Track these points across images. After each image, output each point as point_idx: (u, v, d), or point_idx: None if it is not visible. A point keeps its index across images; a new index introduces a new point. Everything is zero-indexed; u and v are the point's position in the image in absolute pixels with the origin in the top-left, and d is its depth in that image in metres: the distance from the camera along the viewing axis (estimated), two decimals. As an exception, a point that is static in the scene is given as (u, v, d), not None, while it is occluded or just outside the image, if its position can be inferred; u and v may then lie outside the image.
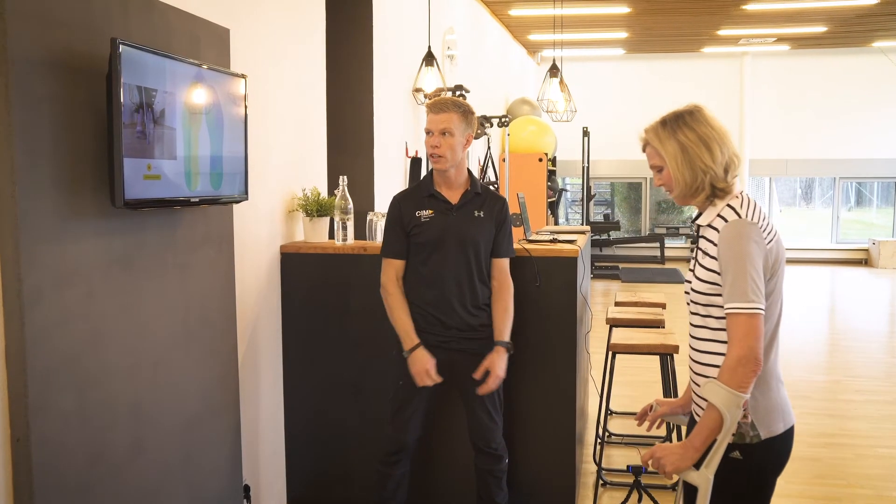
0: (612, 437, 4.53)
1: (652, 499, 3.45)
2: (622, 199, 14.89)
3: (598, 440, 4.12)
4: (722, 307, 1.96)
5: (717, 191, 2.00)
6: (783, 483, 3.91)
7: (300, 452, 3.53)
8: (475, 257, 2.95)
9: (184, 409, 2.57)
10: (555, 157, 10.58)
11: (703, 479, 1.91)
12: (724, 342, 1.97)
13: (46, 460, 1.95)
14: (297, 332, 3.46)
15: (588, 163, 11.42)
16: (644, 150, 2.12)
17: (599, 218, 13.63)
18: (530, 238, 3.54)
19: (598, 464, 3.92)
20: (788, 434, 2.02)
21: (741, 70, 13.15)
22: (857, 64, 12.85)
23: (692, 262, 2.10)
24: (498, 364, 2.92)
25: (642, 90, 13.10)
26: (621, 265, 12.51)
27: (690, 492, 2.05)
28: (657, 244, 13.04)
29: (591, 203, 12.36)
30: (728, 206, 1.99)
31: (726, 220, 1.96)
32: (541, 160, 9.39)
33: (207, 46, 2.65)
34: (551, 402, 3.26)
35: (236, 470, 2.93)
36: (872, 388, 5.71)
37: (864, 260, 13.16)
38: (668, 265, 12.80)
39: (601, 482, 3.87)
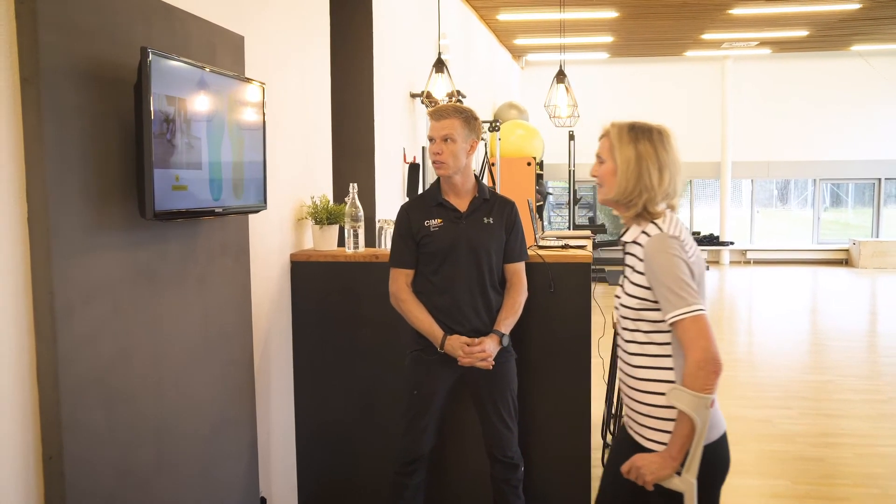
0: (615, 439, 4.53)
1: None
2: (605, 202, 14.95)
3: (607, 446, 4.11)
4: (650, 321, 2.01)
5: (647, 213, 2.05)
6: (791, 484, 3.95)
7: (312, 463, 3.49)
8: (487, 265, 2.93)
9: (204, 422, 2.53)
10: (542, 162, 10.60)
11: (687, 485, 1.94)
12: (653, 355, 2.02)
13: (78, 478, 1.90)
14: (308, 342, 3.43)
15: (574, 166, 11.46)
16: (599, 139, 2.15)
17: (584, 221, 13.68)
18: (541, 244, 3.54)
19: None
20: (723, 441, 2.05)
21: (723, 73, 13.28)
22: (836, 67, 13.04)
23: (621, 278, 2.14)
24: (486, 345, 2.85)
25: (625, 94, 13.19)
26: (606, 268, 12.56)
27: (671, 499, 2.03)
28: (642, 247, 13.11)
29: (577, 206, 12.41)
30: (652, 223, 2.04)
31: (649, 235, 2.02)
32: (529, 164, 9.40)
33: (223, 54, 2.62)
34: (566, 408, 3.26)
35: (253, 482, 2.90)
36: (866, 388, 5.78)
37: (844, 260, 13.34)
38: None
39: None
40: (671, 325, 1.95)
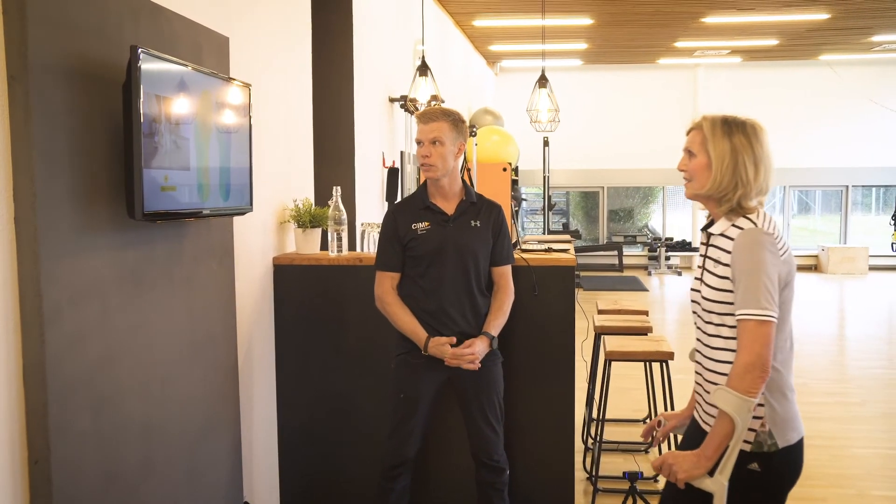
0: (596, 443, 4.55)
1: (648, 505, 3.47)
2: (577, 208, 15.07)
3: (589, 448, 4.13)
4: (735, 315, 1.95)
5: (740, 208, 2.00)
6: (769, 485, 3.99)
7: (294, 467, 3.46)
8: (474, 268, 2.93)
9: (190, 424, 2.50)
10: (517, 167, 10.65)
11: (718, 486, 1.90)
12: (735, 350, 1.97)
13: (65, 482, 1.87)
14: (291, 346, 3.40)
15: (548, 172, 11.54)
16: (688, 133, 2.09)
17: (558, 227, 13.77)
18: (524, 248, 3.55)
19: (592, 471, 3.92)
20: (801, 445, 2.03)
21: (695, 81, 13.45)
22: (804, 76, 13.28)
23: (700, 270, 2.10)
24: (476, 347, 2.86)
25: (597, 100, 13.28)
26: (581, 273, 12.64)
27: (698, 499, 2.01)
28: (615, 252, 13.24)
29: (551, 212, 12.48)
30: (745, 217, 2.00)
31: (741, 229, 1.97)
32: (505, 170, 9.43)
33: (208, 54, 2.60)
34: (551, 411, 3.27)
35: (237, 486, 2.87)
36: (838, 391, 5.88)
37: (813, 266, 13.56)
38: (626, 273, 12.99)
39: (595, 489, 3.88)
40: (737, 320, 1.91)
